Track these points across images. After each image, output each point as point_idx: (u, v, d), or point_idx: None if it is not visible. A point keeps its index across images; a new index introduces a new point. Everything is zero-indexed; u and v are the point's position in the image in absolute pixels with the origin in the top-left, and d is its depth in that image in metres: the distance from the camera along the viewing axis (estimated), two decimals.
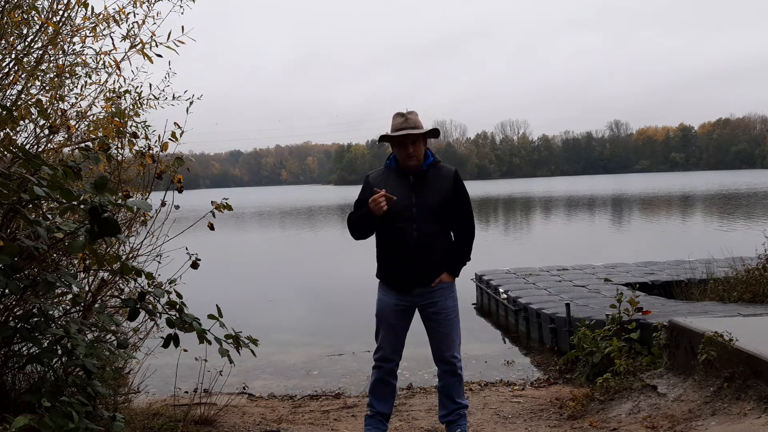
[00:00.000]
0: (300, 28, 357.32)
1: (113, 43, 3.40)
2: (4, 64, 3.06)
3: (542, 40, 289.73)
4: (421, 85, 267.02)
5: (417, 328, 3.73)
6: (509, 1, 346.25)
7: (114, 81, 3.53)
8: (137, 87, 3.58)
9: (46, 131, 3.19)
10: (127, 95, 3.55)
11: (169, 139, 3.39)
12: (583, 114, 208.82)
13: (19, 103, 3.09)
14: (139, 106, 3.58)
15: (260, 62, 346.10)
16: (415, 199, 3.52)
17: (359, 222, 3.60)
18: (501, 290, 9.74)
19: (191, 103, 3.57)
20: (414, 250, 3.51)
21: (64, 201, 2.21)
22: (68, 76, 3.42)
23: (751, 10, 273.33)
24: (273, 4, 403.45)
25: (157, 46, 3.35)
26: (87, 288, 3.38)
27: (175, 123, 3.38)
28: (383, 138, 3.61)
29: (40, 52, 3.19)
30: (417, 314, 3.71)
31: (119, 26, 3.41)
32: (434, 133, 3.60)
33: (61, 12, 3.19)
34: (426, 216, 3.51)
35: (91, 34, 3.37)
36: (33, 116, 3.13)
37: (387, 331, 3.65)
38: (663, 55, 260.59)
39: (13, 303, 2.84)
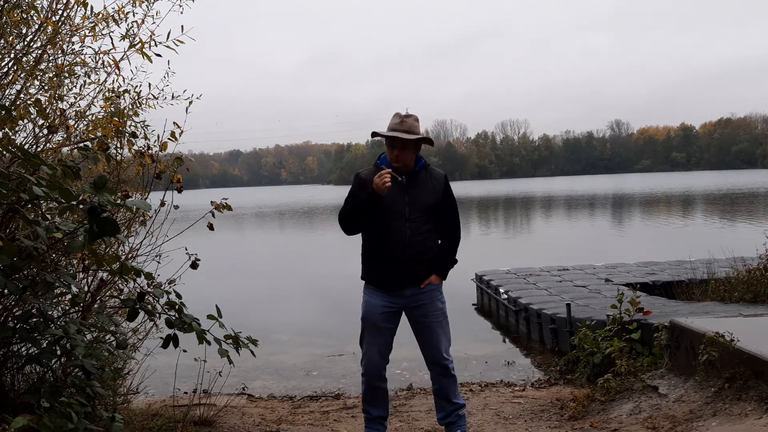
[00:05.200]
0: (313, 28, 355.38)
1: (112, 43, 3.39)
2: (3, 64, 3.05)
3: (554, 40, 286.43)
4: (428, 85, 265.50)
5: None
6: (525, 1, 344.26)
7: (113, 80, 3.52)
8: (136, 87, 3.58)
9: (45, 131, 3.18)
10: (126, 95, 3.54)
11: (169, 138, 3.38)
12: (587, 114, 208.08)
13: (18, 102, 3.08)
14: (138, 105, 3.57)
15: (270, 62, 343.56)
16: (407, 198, 3.52)
17: (356, 210, 3.54)
18: (501, 290, 9.74)
19: (190, 102, 3.56)
20: (407, 248, 3.50)
21: (63, 201, 2.20)
22: (67, 75, 3.41)
23: (753, 10, 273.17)
24: (290, 3, 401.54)
25: (156, 45, 3.33)
26: (86, 288, 3.37)
27: (174, 123, 3.37)
28: (375, 133, 3.62)
29: (39, 52, 3.18)
30: (404, 318, 3.69)
31: (118, 26, 3.40)
32: (427, 141, 3.60)
33: (60, 11, 3.18)
34: (418, 215, 3.52)
35: (90, 34, 3.36)
36: (32, 116, 3.12)
37: (373, 335, 3.62)
38: (666, 55, 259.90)
39: (12, 303, 2.83)
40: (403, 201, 3.51)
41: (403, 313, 3.66)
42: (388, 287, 3.59)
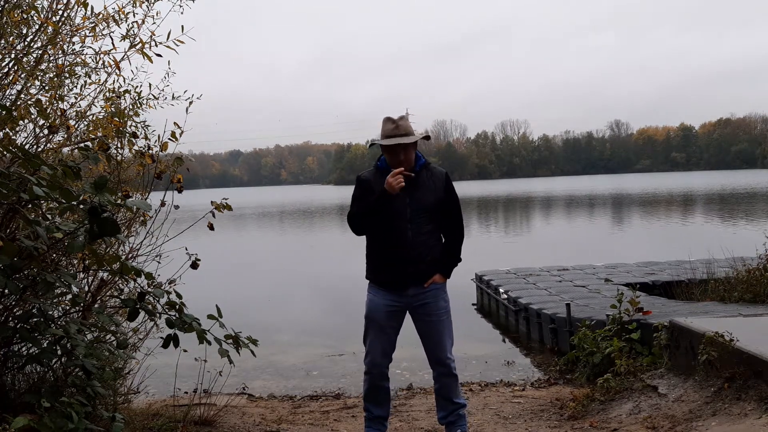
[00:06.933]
0: (312, 28, 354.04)
1: (113, 43, 3.40)
2: (3, 64, 3.06)
3: (554, 40, 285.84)
4: (428, 85, 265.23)
5: (415, 329, 3.72)
6: (525, 1, 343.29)
7: (113, 81, 3.53)
8: (137, 87, 3.58)
9: (46, 131, 3.18)
10: (127, 95, 3.55)
11: (169, 139, 3.39)
12: (586, 114, 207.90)
13: (18, 102, 3.09)
14: (138, 105, 3.58)
15: (271, 61, 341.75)
16: (409, 199, 3.52)
17: (368, 210, 3.53)
18: (501, 290, 9.74)
19: (191, 103, 3.57)
20: (410, 249, 3.51)
21: (64, 201, 2.20)
22: (68, 75, 3.42)
23: (752, 11, 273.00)
24: (290, 3, 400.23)
25: (156, 45, 3.34)
26: (86, 288, 3.37)
27: (174, 123, 3.38)
28: (373, 143, 3.61)
29: (40, 52, 3.19)
30: (408, 318, 3.69)
31: (119, 26, 3.41)
32: (424, 138, 3.63)
33: (60, 12, 3.19)
34: (420, 216, 3.53)
35: (90, 34, 3.37)
36: (32, 116, 3.13)
37: (377, 333, 3.63)
38: (665, 55, 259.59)
39: (13, 303, 2.83)
40: (404, 202, 3.52)
41: (408, 312, 3.67)
42: (392, 287, 3.60)
